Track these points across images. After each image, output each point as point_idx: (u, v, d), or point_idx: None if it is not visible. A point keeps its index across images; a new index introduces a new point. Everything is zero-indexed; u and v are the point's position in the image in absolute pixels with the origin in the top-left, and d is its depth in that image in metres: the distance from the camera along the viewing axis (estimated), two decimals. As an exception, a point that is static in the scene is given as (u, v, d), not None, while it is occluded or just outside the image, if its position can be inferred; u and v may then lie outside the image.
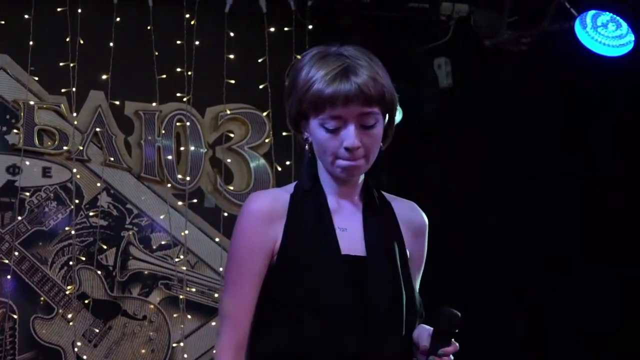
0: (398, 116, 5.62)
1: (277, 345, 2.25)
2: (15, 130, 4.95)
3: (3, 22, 4.89)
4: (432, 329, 2.28)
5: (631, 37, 4.76)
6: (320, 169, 2.35)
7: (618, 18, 4.77)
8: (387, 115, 2.31)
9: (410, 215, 2.41)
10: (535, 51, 5.34)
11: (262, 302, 2.28)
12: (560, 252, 5.43)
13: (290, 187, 2.35)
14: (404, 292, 2.28)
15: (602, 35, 4.81)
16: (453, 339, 2.25)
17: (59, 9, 4.93)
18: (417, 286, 2.43)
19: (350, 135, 2.23)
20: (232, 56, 5.17)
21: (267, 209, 2.28)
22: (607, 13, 4.78)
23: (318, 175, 2.35)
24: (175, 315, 5.07)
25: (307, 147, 2.33)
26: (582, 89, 5.20)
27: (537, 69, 5.35)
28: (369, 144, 2.26)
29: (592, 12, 4.81)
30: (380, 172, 2.38)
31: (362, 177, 2.35)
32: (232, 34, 5.17)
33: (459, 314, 2.24)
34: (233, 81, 5.17)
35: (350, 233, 2.31)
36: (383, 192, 2.40)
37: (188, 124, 5.18)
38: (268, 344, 2.26)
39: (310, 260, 2.25)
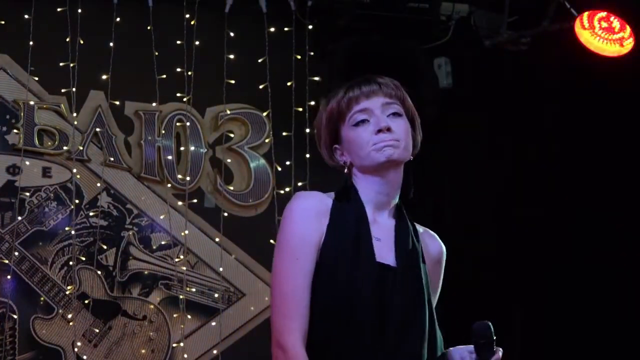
0: None
1: (310, 337, 2.33)
2: (15, 130, 4.95)
3: (3, 22, 4.91)
4: (471, 346, 2.40)
5: (631, 37, 4.81)
6: (360, 188, 2.46)
7: (618, 18, 4.79)
8: (412, 122, 2.48)
9: (430, 243, 2.55)
10: (535, 51, 5.35)
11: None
12: (559, 251, 5.41)
13: (332, 194, 2.46)
14: (426, 303, 2.40)
15: (602, 35, 4.82)
16: (495, 346, 2.36)
17: (58, 9, 4.94)
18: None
19: (379, 119, 2.41)
20: (232, 56, 5.18)
21: (315, 206, 2.41)
22: (607, 13, 4.80)
23: (355, 189, 2.46)
24: (175, 316, 5.07)
25: (346, 170, 2.48)
26: (581, 89, 5.17)
27: (537, 69, 5.34)
28: (399, 130, 2.41)
29: (591, 12, 4.82)
30: (410, 186, 2.51)
31: (397, 193, 2.47)
32: (232, 34, 5.19)
33: (489, 322, 2.37)
34: (233, 81, 5.18)
35: (383, 243, 2.42)
36: (410, 219, 2.52)
37: (188, 124, 5.18)
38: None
39: (348, 262, 2.36)
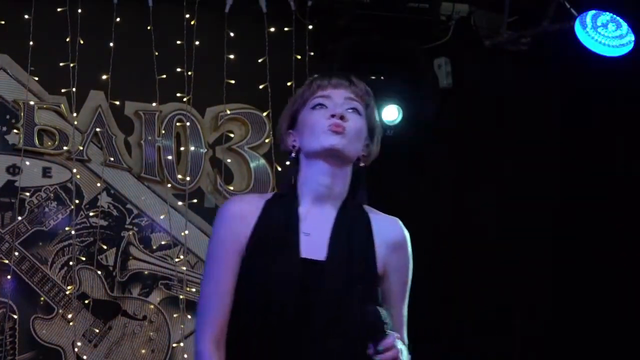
0: (398, 116, 5.54)
1: (231, 333, 2.38)
2: (15, 131, 4.94)
3: (3, 22, 4.90)
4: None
5: (631, 37, 4.78)
6: (301, 175, 2.49)
7: (618, 18, 4.78)
8: (370, 130, 2.52)
9: (389, 230, 2.49)
10: (535, 51, 5.36)
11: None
12: (559, 251, 5.44)
13: (270, 195, 2.51)
14: (355, 300, 2.34)
15: (602, 35, 4.81)
16: (388, 331, 2.26)
17: (59, 9, 4.94)
18: (400, 301, 2.50)
19: (337, 105, 2.46)
20: (232, 56, 5.17)
21: (238, 209, 2.45)
22: (607, 13, 4.79)
23: (297, 184, 2.49)
24: (175, 316, 5.06)
25: (293, 154, 2.51)
26: (582, 89, 5.23)
27: (537, 69, 5.37)
28: (353, 126, 2.45)
29: (592, 12, 4.81)
30: (362, 189, 2.52)
31: (344, 191, 2.47)
32: (232, 34, 5.18)
33: (378, 307, 2.28)
34: (233, 81, 5.17)
35: (313, 238, 2.41)
36: (366, 207, 2.51)
37: (188, 124, 5.18)
38: (233, 336, 2.39)
39: (270, 259, 2.37)
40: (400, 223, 2.53)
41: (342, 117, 2.44)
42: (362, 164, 2.50)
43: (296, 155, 2.51)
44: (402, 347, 2.30)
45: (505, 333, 5.33)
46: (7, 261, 4.84)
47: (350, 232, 2.45)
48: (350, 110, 2.47)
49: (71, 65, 4.95)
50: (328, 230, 2.44)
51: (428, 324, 4.58)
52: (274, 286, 2.35)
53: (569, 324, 5.27)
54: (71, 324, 4.91)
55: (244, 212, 2.44)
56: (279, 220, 2.44)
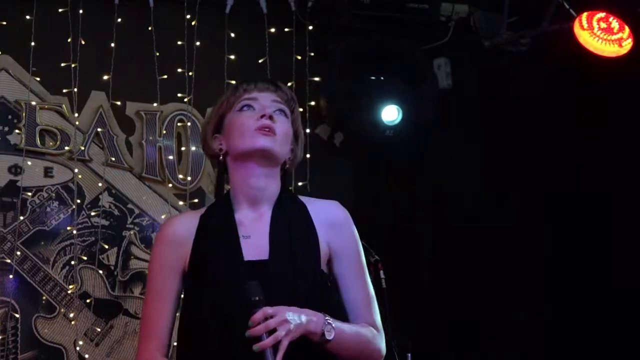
0: (398, 116, 5.51)
1: (185, 349, 2.40)
2: (17, 131, 4.94)
3: (4, 23, 4.90)
4: None
5: (629, 38, 4.84)
6: (231, 180, 2.51)
7: (616, 19, 4.81)
8: (295, 133, 2.54)
9: (327, 213, 2.50)
10: (535, 51, 5.40)
11: (182, 316, 2.45)
12: (555, 249, 5.43)
13: (203, 209, 2.53)
14: (307, 290, 2.35)
15: (601, 35, 4.84)
16: (260, 306, 2.25)
17: (60, 10, 4.95)
18: (356, 281, 2.48)
19: (264, 106, 2.46)
20: (232, 57, 5.18)
21: (172, 233, 2.49)
22: (605, 13, 4.82)
23: (229, 192, 2.51)
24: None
25: (221, 157, 2.50)
26: (581, 89, 5.21)
27: (536, 69, 5.35)
28: (280, 128, 2.45)
29: (590, 13, 4.84)
30: (285, 190, 2.53)
31: (275, 189, 2.49)
32: (232, 35, 5.20)
33: (252, 283, 2.27)
34: (234, 81, 5.01)
35: (254, 240, 2.42)
36: (301, 197, 2.53)
37: (189, 124, 5.19)
38: (180, 349, 2.41)
39: (215, 267, 2.38)
40: (339, 204, 2.54)
41: (270, 117, 2.44)
42: (287, 166, 2.52)
43: (223, 159, 2.50)
44: (304, 317, 2.28)
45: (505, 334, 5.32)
46: (9, 260, 4.84)
47: (289, 224, 2.45)
48: (277, 112, 2.48)
49: (73, 65, 4.95)
50: (267, 229, 2.44)
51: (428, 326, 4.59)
52: (224, 293, 2.34)
53: (567, 325, 5.26)
54: (73, 323, 4.90)
55: (178, 235, 2.47)
56: (218, 230, 2.44)
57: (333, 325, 2.33)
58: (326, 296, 2.41)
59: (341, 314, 2.41)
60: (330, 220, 2.50)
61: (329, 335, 2.31)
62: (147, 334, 2.46)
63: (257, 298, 2.26)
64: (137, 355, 2.48)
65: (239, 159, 2.47)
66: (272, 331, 2.23)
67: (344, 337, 2.35)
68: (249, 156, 2.45)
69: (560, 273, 5.37)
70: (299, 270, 2.37)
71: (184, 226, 2.48)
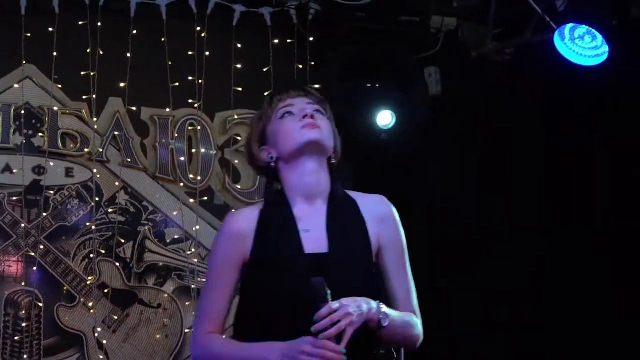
0: (392, 121, 5.46)
1: (243, 333, 2.41)
2: (40, 134, 4.96)
3: (29, 35, 4.90)
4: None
5: (605, 48, 4.71)
6: (285, 183, 2.48)
7: (593, 31, 4.72)
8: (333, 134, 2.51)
9: (375, 207, 2.50)
10: (518, 61, 5.31)
11: (241, 305, 2.45)
12: (543, 252, 5.36)
13: (261, 205, 2.50)
14: (362, 280, 2.38)
15: (579, 46, 4.73)
16: (330, 302, 2.26)
17: (80, 22, 4.95)
18: (402, 272, 2.50)
19: (303, 109, 2.47)
20: (239, 66, 5.18)
21: (236, 229, 2.46)
22: (584, 26, 4.72)
23: (283, 190, 2.48)
24: (187, 304, 5.06)
25: (272, 164, 2.49)
26: (561, 96, 5.14)
27: (519, 77, 5.32)
28: (322, 124, 2.46)
29: (569, 25, 4.74)
30: (336, 183, 2.50)
31: (326, 184, 2.47)
32: (239, 45, 5.19)
33: (319, 279, 2.28)
34: (240, 89, 5.17)
35: (313, 234, 2.42)
36: (350, 192, 2.52)
37: (199, 128, 5.18)
38: (245, 335, 2.40)
39: (278, 261, 2.38)
40: (386, 199, 2.54)
41: (312, 116, 2.45)
42: (333, 161, 2.50)
43: (275, 166, 2.48)
44: (363, 307, 2.29)
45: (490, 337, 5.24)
46: (33, 254, 4.87)
47: (344, 219, 2.45)
48: (315, 112, 2.48)
49: (92, 74, 4.96)
50: (323, 224, 2.43)
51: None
52: (286, 283, 2.36)
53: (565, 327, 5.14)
54: (92, 311, 4.93)
55: (241, 230, 2.45)
56: (278, 225, 2.43)
57: (387, 313, 2.35)
58: (377, 286, 2.43)
59: (386, 302, 2.42)
60: (379, 214, 2.49)
61: (385, 323, 2.33)
62: (205, 317, 2.46)
63: (322, 294, 2.26)
64: (194, 334, 2.49)
65: (291, 159, 2.46)
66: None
67: (395, 324, 2.38)
68: (301, 153, 2.44)
69: (548, 274, 5.30)
70: (355, 261, 2.38)
71: (245, 222, 2.45)
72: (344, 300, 2.27)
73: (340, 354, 2.23)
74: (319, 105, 2.52)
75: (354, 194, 2.52)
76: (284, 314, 2.33)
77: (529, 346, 5.21)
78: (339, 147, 2.54)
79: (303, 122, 2.44)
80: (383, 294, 2.44)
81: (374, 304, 2.33)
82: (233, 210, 2.67)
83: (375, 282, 2.44)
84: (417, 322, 2.48)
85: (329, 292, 2.27)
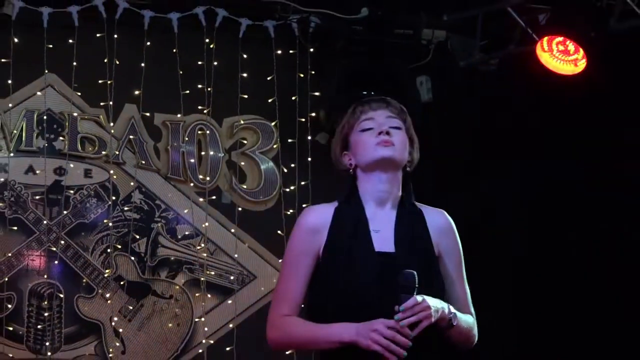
0: None
1: (316, 313, 2.45)
2: (61, 138, 4.99)
3: (51, 46, 4.92)
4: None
5: (583, 59, 4.78)
6: (361, 187, 2.54)
7: (572, 42, 4.79)
8: (410, 141, 2.56)
9: (437, 219, 2.57)
10: (503, 70, 5.36)
11: (314, 295, 2.49)
12: (531, 249, 5.34)
13: (336, 203, 2.55)
14: (426, 280, 2.39)
15: (559, 56, 4.82)
16: (415, 295, 2.31)
17: (98, 35, 4.98)
18: (458, 278, 2.55)
19: (381, 124, 2.51)
20: (245, 75, 5.20)
21: (312, 223, 2.50)
22: (563, 38, 4.80)
23: (358, 193, 2.53)
24: (197, 295, 5.09)
25: (351, 171, 2.56)
26: (543, 102, 5.15)
27: (504, 85, 5.32)
28: (397, 139, 2.51)
29: (550, 37, 4.82)
30: (410, 189, 2.57)
31: (398, 191, 2.53)
32: (245, 56, 5.20)
33: (412, 272, 2.31)
34: (246, 96, 5.20)
35: (382, 234, 2.47)
36: (416, 203, 2.58)
37: (208, 132, 5.19)
38: (311, 313, 2.47)
39: (350, 256, 2.43)
40: (446, 213, 2.60)
41: (387, 133, 2.49)
42: (408, 169, 2.56)
43: (353, 172, 2.55)
44: (438, 306, 2.34)
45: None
46: (54, 249, 4.90)
47: (410, 226, 2.49)
48: (392, 128, 2.51)
49: (109, 82, 4.98)
50: (392, 226, 2.49)
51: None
52: (357, 277, 2.39)
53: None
54: (109, 302, 4.97)
55: (317, 225, 2.49)
56: (351, 222, 2.48)
57: (456, 313, 2.42)
58: (441, 287, 2.48)
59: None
60: (441, 226, 2.55)
61: (454, 322, 2.40)
62: (281, 299, 2.49)
63: (412, 285, 2.29)
64: (270, 318, 2.50)
65: (367, 169, 2.52)
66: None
67: (461, 324, 2.45)
68: (375, 166, 2.50)
69: (532, 274, 5.25)
70: (419, 262, 2.40)
71: (320, 217, 2.50)
72: (427, 297, 2.33)
73: (409, 340, 2.28)
74: (398, 117, 2.56)
75: (420, 205, 2.57)
76: (354, 304, 2.37)
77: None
78: (416, 155, 2.60)
79: (379, 139, 2.49)
80: (445, 297, 2.48)
81: (445, 304, 2.40)
82: (310, 206, 2.63)
83: (439, 282, 2.48)
84: (475, 323, 2.55)
85: (417, 286, 2.30)
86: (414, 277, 2.30)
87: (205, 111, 5.20)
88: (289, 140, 5.25)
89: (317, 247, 2.48)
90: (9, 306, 4.81)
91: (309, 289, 2.49)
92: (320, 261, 2.47)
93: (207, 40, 5.15)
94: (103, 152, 5.06)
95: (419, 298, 2.30)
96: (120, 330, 4.98)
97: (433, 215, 2.56)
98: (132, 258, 5.05)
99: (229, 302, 5.13)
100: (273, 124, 5.29)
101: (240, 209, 5.23)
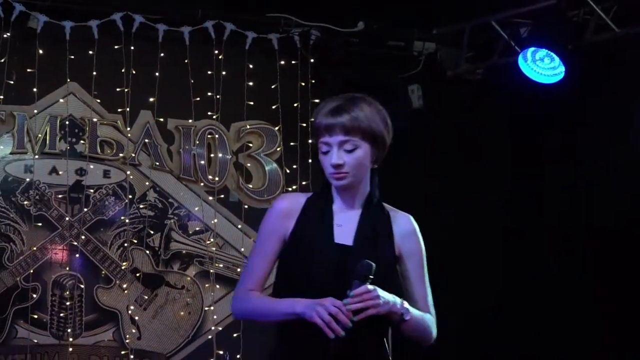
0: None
1: (279, 293, 2.43)
2: (82, 141, 5.01)
3: (72, 57, 4.96)
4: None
5: (562, 69, 4.83)
6: (333, 186, 2.48)
7: (551, 53, 4.83)
8: (373, 143, 2.42)
9: (402, 223, 2.51)
10: (487, 79, 5.41)
11: (278, 275, 2.47)
12: (507, 251, 5.34)
13: (310, 194, 2.54)
14: (381, 275, 2.35)
15: (540, 67, 4.86)
16: (367, 284, 2.29)
17: (116, 47, 5.03)
18: (419, 279, 2.50)
19: (333, 155, 2.40)
20: (251, 83, 5.23)
21: (284, 208, 2.48)
22: (543, 50, 4.84)
23: (331, 187, 2.48)
24: (207, 285, 5.11)
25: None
26: (524, 108, 5.20)
27: (489, 93, 5.38)
28: (351, 163, 2.40)
29: (531, 49, 4.86)
30: (374, 189, 2.49)
31: (365, 190, 2.47)
32: (251, 66, 5.24)
33: (370, 262, 2.29)
34: (252, 103, 5.24)
35: (344, 228, 2.45)
36: (386, 205, 2.52)
37: (217, 136, 5.23)
38: (275, 292, 2.47)
39: (310, 245, 2.41)
40: (411, 218, 2.53)
41: (338, 165, 2.39)
42: (374, 166, 2.47)
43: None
44: (390, 300, 2.31)
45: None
46: (76, 243, 4.93)
47: (373, 224, 2.46)
48: (345, 152, 2.39)
49: (125, 90, 5.01)
50: (355, 222, 2.45)
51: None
52: (315, 265, 2.37)
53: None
54: (126, 292, 5.00)
55: (288, 210, 2.46)
56: (317, 214, 2.45)
57: (409, 309, 2.38)
58: (395, 283, 2.44)
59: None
60: (405, 229, 2.49)
61: (407, 317, 2.37)
62: (247, 276, 2.48)
63: (366, 274, 2.27)
64: (236, 292, 2.50)
65: None
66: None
67: (415, 320, 2.41)
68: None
69: (514, 272, 5.26)
70: (377, 259, 2.34)
71: (293, 203, 2.48)
72: (379, 289, 2.30)
73: (349, 321, 2.26)
74: (353, 136, 2.39)
75: (388, 207, 2.52)
76: (309, 291, 2.35)
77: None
78: (380, 153, 2.46)
79: (332, 170, 2.40)
80: (405, 297, 2.44)
81: (398, 299, 2.37)
82: (284, 193, 2.70)
83: (394, 280, 2.44)
84: (433, 322, 2.51)
85: (371, 277, 2.28)
86: (371, 268, 2.28)
87: (214, 117, 5.22)
88: (291, 144, 5.27)
89: (285, 231, 2.45)
90: (34, 296, 4.83)
91: (276, 272, 2.48)
92: (285, 245, 2.46)
93: (216, 52, 5.18)
94: (120, 155, 5.08)
95: (371, 287, 2.29)
96: (136, 318, 5.01)
97: (399, 219, 2.51)
98: (147, 252, 5.07)
99: (236, 292, 5.18)
100: (277, 128, 5.32)
101: (246, 206, 5.24)
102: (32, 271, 4.85)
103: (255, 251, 2.52)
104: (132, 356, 4.92)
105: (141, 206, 5.10)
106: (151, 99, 5.10)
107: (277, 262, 2.49)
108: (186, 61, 5.13)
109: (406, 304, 2.39)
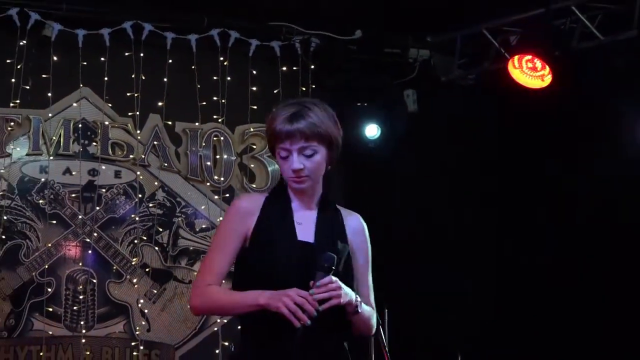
0: (377, 133, 5.23)
1: (239, 288, 2.42)
2: (94, 143, 5.04)
3: (85, 63, 4.99)
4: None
5: (549, 74, 4.86)
6: (289, 186, 2.50)
7: (539, 60, 4.86)
8: (329, 147, 2.43)
9: (352, 221, 2.55)
10: (479, 84, 5.43)
11: (239, 272, 2.45)
12: (504, 252, 5.37)
13: (267, 193, 2.54)
14: (340, 269, 2.39)
15: (528, 72, 4.89)
16: (330, 275, 2.31)
17: (126, 53, 5.05)
18: (365, 273, 2.53)
19: (293, 161, 2.41)
20: (254, 88, 5.24)
21: (245, 207, 2.47)
22: (532, 56, 4.86)
23: (286, 185, 2.50)
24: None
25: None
26: (514, 112, 5.23)
27: (480, 97, 5.40)
28: (310, 167, 2.41)
29: (520, 56, 4.88)
30: (325, 187, 2.51)
31: (319, 190, 2.50)
32: (254, 72, 5.26)
33: (333, 254, 2.32)
34: (255, 107, 5.24)
35: (304, 226, 2.46)
36: (338, 206, 2.56)
37: (222, 138, 5.25)
38: (235, 286, 2.45)
39: (273, 243, 2.40)
40: (360, 217, 2.57)
41: (299, 170, 2.40)
42: (328, 167, 2.49)
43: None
44: (348, 292, 2.34)
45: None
46: (88, 240, 4.95)
47: (329, 223, 2.49)
48: (305, 157, 2.41)
49: (135, 95, 5.03)
50: (313, 220, 2.47)
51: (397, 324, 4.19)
52: (279, 262, 2.36)
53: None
54: (136, 286, 5.01)
55: (249, 209, 2.45)
56: (277, 213, 2.45)
57: (361, 303, 2.42)
58: (351, 278, 2.46)
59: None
60: (354, 227, 2.53)
61: (360, 309, 2.40)
62: (206, 271, 2.45)
63: (329, 266, 2.29)
64: (194, 287, 2.48)
65: None
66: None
67: (364, 313, 2.45)
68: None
69: (509, 275, 5.28)
70: (336, 253, 2.36)
71: (253, 203, 2.47)
72: (340, 282, 2.33)
73: (314, 310, 2.27)
74: (311, 142, 2.40)
75: (339, 206, 2.55)
76: (276, 284, 2.33)
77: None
78: (335, 155, 2.47)
79: (292, 175, 2.42)
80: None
81: (354, 294, 2.40)
82: (243, 193, 2.70)
83: (351, 274, 2.47)
84: (375, 314, 2.54)
85: (333, 268, 2.31)
86: (333, 260, 2.31)
87: (219, 120, 5.24)
88: (293, 145, 5.32)
89: (246, 229, 2.42)
90: (49, 290, 4.85)
91: (235, 269, 2.46)
92: (246, 244, 2.43)
93: (221, 59, 5.20)
94: (131, 156, 5.10)
95: (334, 278, 2.31)
96: (146, 311, 5.02)
97: (349, 217, 2.54)
98: (156, 248, 5.08)
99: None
100: (279, 131, 5.38)
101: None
102: (47, 266, 4.87)
103: (215, 248, 2.48)
104: (141, 347, 4.94)
105: (150, 205, 5.11)
106: (160, 103, 5.12)
107: (235, 259, 2.46)
108: (193, 67, 5.16)
109: (359, 298, 2.43)
